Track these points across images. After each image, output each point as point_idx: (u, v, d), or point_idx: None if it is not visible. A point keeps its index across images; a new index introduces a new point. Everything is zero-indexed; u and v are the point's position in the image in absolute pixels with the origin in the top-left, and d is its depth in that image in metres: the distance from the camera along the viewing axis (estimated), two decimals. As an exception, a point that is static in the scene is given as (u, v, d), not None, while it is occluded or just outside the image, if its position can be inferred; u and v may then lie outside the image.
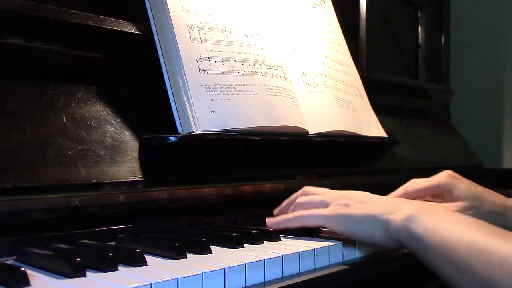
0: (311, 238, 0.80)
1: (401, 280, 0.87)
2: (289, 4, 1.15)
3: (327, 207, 0.80)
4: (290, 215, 0.83)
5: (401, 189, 1.00)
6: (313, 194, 0.85)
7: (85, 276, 0.56)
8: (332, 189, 0.86)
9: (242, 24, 0.98)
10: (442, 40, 1.93)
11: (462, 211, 0.91)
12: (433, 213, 0.70)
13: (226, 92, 0.89)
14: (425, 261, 0.69)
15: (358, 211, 0.76)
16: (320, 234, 0.83)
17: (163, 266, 0.61)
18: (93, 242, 0.75)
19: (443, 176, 0.98)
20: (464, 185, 0.96)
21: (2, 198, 0.67)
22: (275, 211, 0.90)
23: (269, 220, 0.83)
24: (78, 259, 0.56)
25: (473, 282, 0.62)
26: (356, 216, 0.75)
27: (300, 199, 0.85)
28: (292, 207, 0.87)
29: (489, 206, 0.94)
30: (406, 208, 0.72)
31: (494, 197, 0.97)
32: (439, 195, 0.98)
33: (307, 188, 0.88)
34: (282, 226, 0.81)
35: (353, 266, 0.74)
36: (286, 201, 0.89)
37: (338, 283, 0.71)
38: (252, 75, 0.94)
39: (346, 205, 0.78)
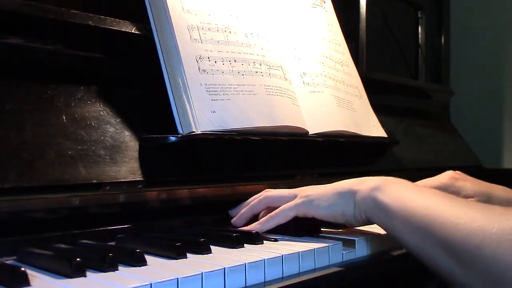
0: (311, 238, 0.80)
1: (400, 280, 0.87)
2: (289, 4, 1.15)
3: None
4: (264, 218, 0.83)
5: None
6: (282, 192, 0.86)
7: (85, 276, 0.56)
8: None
9: (242, 24, 0.98)
10: (442, 40, 1.93)
11: None
12: (398, 184, 0.74)
13: (226, 92, 0.89)
14: (390, 231, 0.72)
15: (327, 190, 0.79)
16: (320, 234, 0.83)
17: (163, 266, 0.61)
18: (93, 242, 0.75)
19: (446, 178, 0.98)
20: (469, 184, 0.97)
21: (2, 198, 0.67)
22: (231, 211, 0.90)
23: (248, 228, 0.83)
24: (78, 259, 0.56)
25: (430, 243, 0.65)
26: (326, 194, 0.78)
27: (269, 193, 0.87)
28: (254, 206, 0.87)
29: (496, 201, 0.95)
30: (372, 180, 0.75)
31: (500, 192, 0.97)
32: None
33: (268, 190, 0.89)
34: (260, 231, 0.80)
35: (353, 266, 0.74)
36: (246, 208, 0.88)
37: (338, 283, 0.71)
38: (252, 75, 0.94)
39: (315, 190, 0.81)
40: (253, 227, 0.83)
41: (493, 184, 1.00)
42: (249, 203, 0.89)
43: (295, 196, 0.83)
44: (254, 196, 0.89)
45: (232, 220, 0.88)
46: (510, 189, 1.01)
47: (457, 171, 1.02)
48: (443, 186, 0.97)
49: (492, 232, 0.60)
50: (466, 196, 0.95)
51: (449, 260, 0.63)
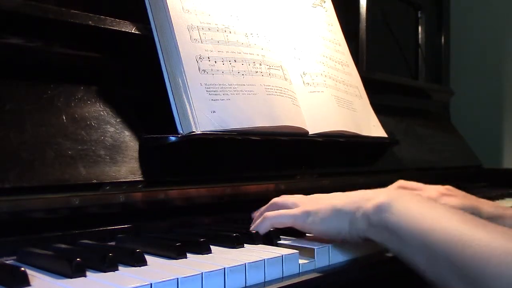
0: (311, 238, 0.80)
1: (401, 280, 0.87)
2: (289, 4, 1.15)
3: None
4: (257, 221, 0.80)
5: None
6: (287, 200, 0.82)
7: (85, 276, 0.56)
8: (333, 189, 0.86)
9: (242, 24, 0.98)
10: (442, 40, 1.93)
11: None
12: (409, 200, 0.67)
13: (226, 92, 0.89)
14: (400, 255, 0.65)
15: (324, 206, 0.73)
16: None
17: (163, 266, 0.61)
18: (93, 242, 0.75)
19: (434, 193, 0.97)
20: (456, 200, 0.96)
21: (2, 198, 0.67)
22: (253, 214, 0.88)
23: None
24: (78, 259, 0.56)
25: (456, 277, 0.59)
26: (322, 211, 0.73)
27: (277, 199, 0.83)
28: (263, 208, 0.84)
29: (485, 215, 0.94)
30: (379, 196, 0.68)
31: (490, 208, 0.97)
32: None
33: (282, 196, 0.85)
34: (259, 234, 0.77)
35: (353, 266, 0.74)
36: (256, 216, 0.86)
37: (338, 283, 0.71)
38: (252, 75, 0.94)
39: (315, 203, 0.75)
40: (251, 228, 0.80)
41: (482, 199, 0.99)
42: (263, 209, 0.86)
43: (296, 205, 0.79)
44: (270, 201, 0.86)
45: (251, 228, 0.83)
46: (498, 205, 1.01)
47: (447, 186, 1.01)
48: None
49: None
50: None
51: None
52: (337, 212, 0.71)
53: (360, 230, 0.69)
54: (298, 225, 0.76)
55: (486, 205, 0.98)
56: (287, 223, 0.77)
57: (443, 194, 0.98)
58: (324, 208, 0.73)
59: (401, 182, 1.05)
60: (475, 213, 0.93)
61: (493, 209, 0.97)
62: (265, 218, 0.79)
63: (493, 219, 0.93)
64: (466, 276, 0.58)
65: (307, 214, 0.74)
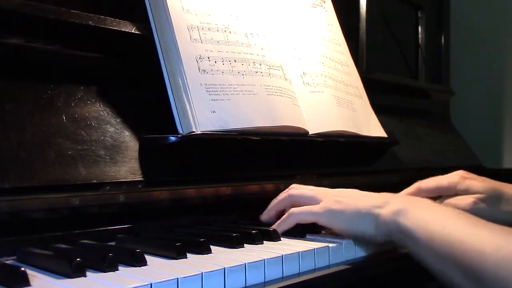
0: (312, 238, 0.80)
1: (400, 280, 0.87)
2: (289, 4, 1.15)
3: (319, 204, 0.81)
4: (283, 217, 0.82)
5: (414, 187, 1.01)
6: (304, 192, 0.85)
7: (85, 276, 0.56)
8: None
9: (242, 24, 0.98)
10: (442, 40, 1.93)
11: (480, 203, 0.94)
12: (420, 208, 0.73)
13: (226, 92, 0.89)
14: (413, 254, 0.71)
15: (349, 207, 0.77)
16: (320, 234, 0.83)
17: (163, 266, 0.61)
18: (93, 242, 0.75)
19: (455, 177, 0.99)
20: (477, 183, 0.99)
21: (2, 198, 0.67)
22: (262, 216, 0.90)
23: None
24: (78, 259, 0.56)
25: (457, 271, 0.64)
26: (347, 212, 0.77)
27: (292, 191, 0.86)
28: (279, 203, 0.87)
29: (507, 197, 0.95)
30: (394, 203, 0.74)
31: (510, 189, 0.98)
32: (452, 195, 0.98)
33: (295, 185, 0.88)
34: (280, 231, 0.80)
35: (353, 266, 0.74)
36: (272, 204, 0.89)
37: (338, 283, 0.71)
38: (252, 75, 0.94)
39: (338, 202, 0.79)
40: (273, 227, 0.82)
41: (504, 183, 1.01)
42: (280, 198, 0.89)
43: (316, 199, 0.82)
44: (280, 194, 0.89)
45: (260, 216, 0.89)
46: None
47: (467, 172, 1.03)
48: (452, 184, 0.99)
49: None
50: (476, 193, 0.96)
51: None
52: (363, 216, 0.76)
53: (385, 233, 0.74)
54: (323, 223, 0.79)
55: (506, 187, 1.00)
56: (312, 220, 0.80)
57: (466, 178, 0.99)
58: (348, 210, 0.77)
59: (418, 183, 1.06)
60: (497, 195, 0.96)
61: None
62: (291, 214, 0.81)
63: None
64: (469, 274, 0.63)
65: (332, 212, 0.78)
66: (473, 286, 0.63)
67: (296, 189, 0.87)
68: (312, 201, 0.82)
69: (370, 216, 0.75)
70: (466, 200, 0.96)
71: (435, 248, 0.67)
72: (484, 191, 0.96)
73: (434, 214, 0.71)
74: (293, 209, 0.82)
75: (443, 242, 0.66)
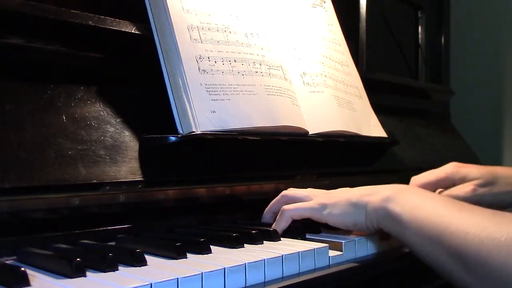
0: (311, 238, 0.80)
1: (404, 279, 0.87)
2: (289, 4, 1.15)
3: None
4: (278, 216, 0.84)
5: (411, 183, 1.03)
6: (297, 192, 0.88)
7: (85, 276, 0.56)
8: (332, 189, 0.86)
9: (242, 24, 0.98)
10: (442, 40, 1.93)
11: (479, 188, 0.97)
12: (409, 194, 0.75)
13: (226, 92, 0.89)
14: (401, 239, 0.73)
15: (340, 199, 0.81)
16: (321, 234, 0.83)
17: (163, 266, 0.61)
18: (93, 242, 0.75)
19: (450, 167, 1.02)
20: (474, 169, 1.02)
21: (2, 198, 0.67)
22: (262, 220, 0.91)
23: None
24: (78, 259, 0.56)
25: (440, 252, 0.67)
26: (339, 204, 0.80)
27: (286, 192, 0.89)
28: (273, 205, 0.89)
29: (503, 181, 0.98)
30: (384, 191, 0.77)
31: (505, 171, 1.01)
32: (450, 185, 1.00)
33: (289, 189, 0.90)
34: (279, 231, 0.81)
35: (353, 266, 0.74)
36: (268, 207, 0.91)
37: (338, 283, 0.71)
38: (252, 75, 0.94)
39: (330, 197, 0.82)
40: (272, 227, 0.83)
41: (496, 166, 1.03)
42: (274, 202, 0.91)
43: (309, 198, 0.84)
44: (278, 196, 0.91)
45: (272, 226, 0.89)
46: None
47: (458, 162, 1.05)
48: (449, 175, 1.01)
49: (501, 240, 0.61)
50: (473, 179, 0.99)
51: (460, 268, 0.65)
52: (353, 205, 0.79)
53: (373, 221, 0.77)
54: (316, 217, 0.81)
55: (498, 169, 1.04)
56: (305, 215, 0.82)
57: (461, 167, 1.02)
58: (340, 201, 0.80)
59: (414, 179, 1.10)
60: (493, 177, 1.00)
61: (509, 171, 1.02)
62: (284, 211, 0.83)
63: (509, 182, 1.00)
64: (454, 254, 0.65)
65: (324, 206, 0.81)
66: (458, 267, 0.65)
67: (290, 191, 0.89)
68: (306, 199, 0.84)
69: (360, 204, 0.78)
70: (466, 188, 0.98)
71: (423, 231, 0.69)
72: (480, 176, 0.99)
73: (422, 199, 0.74)
74: (285, 206, 0.84)
75: (431, 226, 0.68)
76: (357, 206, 0.78)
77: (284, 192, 0.89)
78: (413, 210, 0.72)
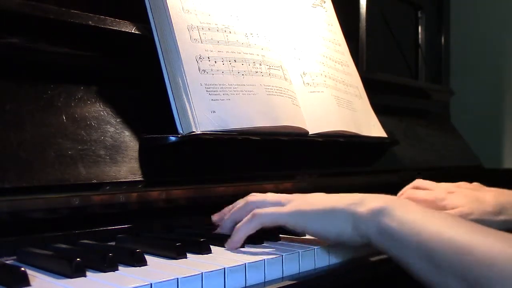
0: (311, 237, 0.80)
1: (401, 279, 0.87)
2: (289, 4, 1.15)
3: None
4: (245, 219, 0.73)
5: (405, 196, 1.01)
6: (266, 197, 0.77)
7: (85, 276, 0.56)
8: (333, 189, 0.86)
9: (242, 24, 0.98)
10: (442, 40, 1.93)
11: (464, 216, 0.92)
12: (406, 207, 0.66)
13: (226, 92, 0.89)
14: (396, 258, 0.65)
15: (322, 205, 0.70)
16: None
17: (163, 266, 0.61)
18: (93, 242, 0.75)
19: (439, 193, 0.99)
20: (455, 196, 0.98)
21: (2, 198, 0.67)
22: (214, 217, 0.83)
23: (227, 244, 0.72)
24: (78, 259, 0.56)
25: (455, 278, 0.59)
26: (320, 211, 0.69)
27: (252, 198, 0.77)
28: (236, 212, 0.77)
29: (487, 207, 0.95)
30: (373, 202, 0.67)
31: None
32: (440, 207, 0.98)
33: (253, 194, 0.80)
34: (242, 236, 0.72)
35: (353, 266, 0.74)
36: (228, 214, 0.80)
37: (338, 283, 0.71)
38: (252, 75, 0.94)
39: (308, 203, 0.71)
40: (234, 239, 0.72)
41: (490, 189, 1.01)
42: (230, 209, 0.80)
43: (281, 204, 0.73)
44: (237, 202, 0.80)
45: (217, 230, 0.80)
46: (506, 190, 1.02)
47: (454, 186, 1.03)
48: (437, 200, 0.98)
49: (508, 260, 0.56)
50: (456, 205, 0.95)
51: None
52: (338, 214, 0.68)
53: (363, 235, 0.67)
54: (291, 224, 0.71)
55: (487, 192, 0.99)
56: (279, 222, 0.72)
57: (449, 193, 1.00)
58: (322, 208, 0.70)
59: (417, 182, 1.07)
60: (476, 205, 0.94)
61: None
62: (255, 215, 0.72)
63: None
64: (467, 281, 0.58)
65: (302, 213, 0.70)
66: None
67: (255, 196, 0.78)
68: (278, 205, 0.73)
69: (346, 213, 0.68)
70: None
71: (429, 254, 0.61)
72: (465, 204, 0.96)
73: (423, 215, 0.65)
74: (258, 210, 0.72)
75: (443, 249, 0.60)
76: (342, 215, 0.68)
77: (248, 198, 0.77)
78: (414, 227, 0.63)
